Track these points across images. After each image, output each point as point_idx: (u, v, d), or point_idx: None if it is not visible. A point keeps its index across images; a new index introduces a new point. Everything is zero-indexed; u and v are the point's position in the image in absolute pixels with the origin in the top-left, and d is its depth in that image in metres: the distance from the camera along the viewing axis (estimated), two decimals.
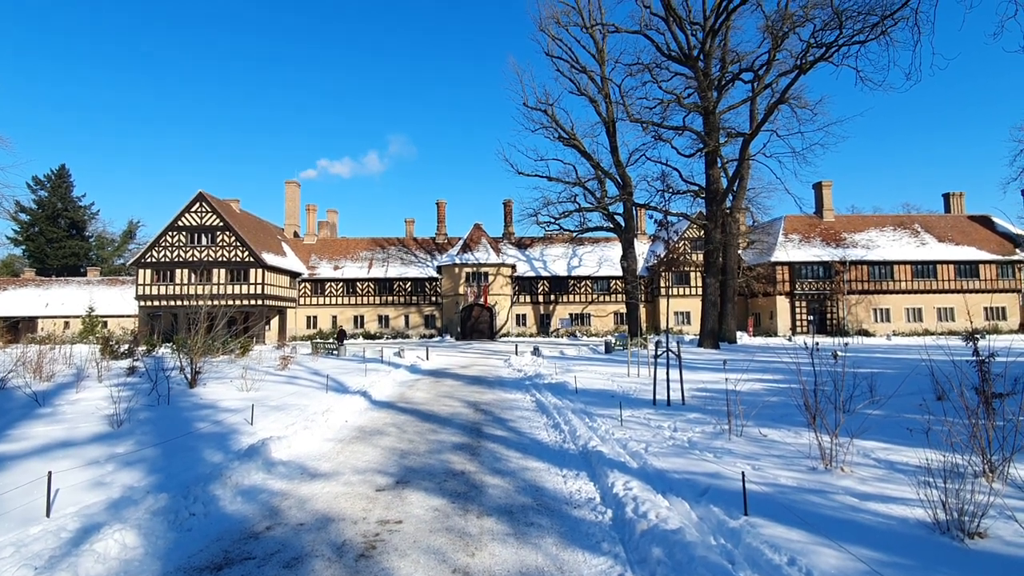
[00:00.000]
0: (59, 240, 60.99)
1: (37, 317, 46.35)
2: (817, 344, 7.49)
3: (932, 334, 38.39)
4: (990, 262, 41.73)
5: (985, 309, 41.16)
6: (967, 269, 41.80)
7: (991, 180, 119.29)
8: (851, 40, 20.84)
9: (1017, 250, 42.01)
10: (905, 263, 41.61)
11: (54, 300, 47.56)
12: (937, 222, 45.11)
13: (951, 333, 36.87)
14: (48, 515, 4.95)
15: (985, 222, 44.94)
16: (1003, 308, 41.68)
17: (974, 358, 6.11)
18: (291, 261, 45.19)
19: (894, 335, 38.62)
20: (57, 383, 13.48)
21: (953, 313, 41.22)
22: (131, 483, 5.93)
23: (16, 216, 59.71)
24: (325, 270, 47.08)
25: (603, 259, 47.54)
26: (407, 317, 46.95)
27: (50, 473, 5.27)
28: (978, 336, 6.65)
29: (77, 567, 4.03)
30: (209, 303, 15.33)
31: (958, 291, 41.21)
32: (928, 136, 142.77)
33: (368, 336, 45.31)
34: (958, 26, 42.24)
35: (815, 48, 22.99)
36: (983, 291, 41.50)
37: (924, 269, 41.77)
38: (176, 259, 39.71)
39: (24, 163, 65.73)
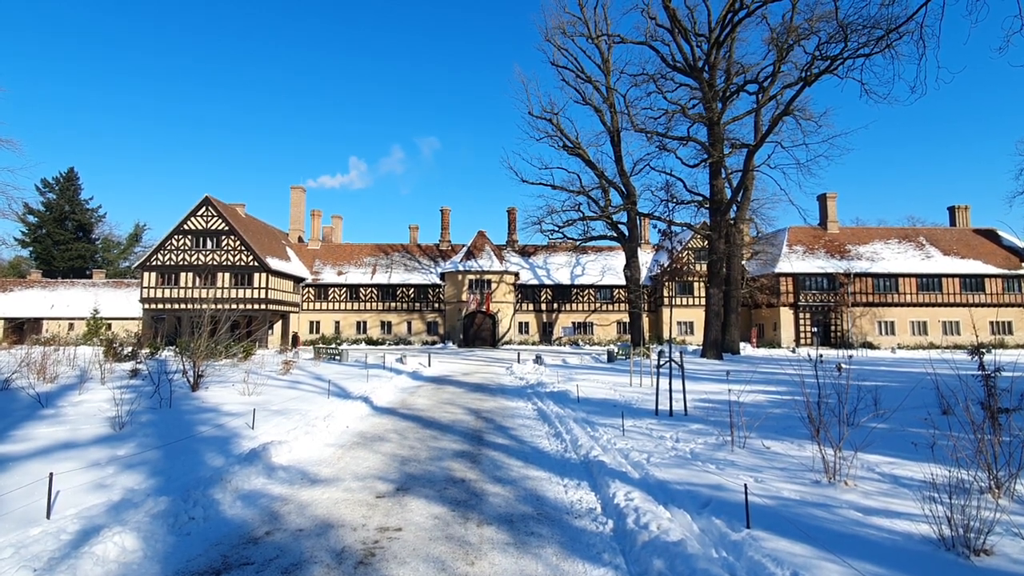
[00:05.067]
0: (66, 242, 61.39)
1: (42, 318, 46.57)
2: (821, 356, 7.47)
3: (937, 348, 38.19)
4: (996, 276, 41.51)
5: (991, 323, 40.91)
6: (973, 283, 41.60)
7: (997, 194, 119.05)
8: (856, 53, 20.88)
9: (1023, 264, 41.81)
10: (910, 276, 41.44)
11: (59, 302, 47.80)
12: (942, 235, 44.97)
13: (956, 347, 36.67)
14: (48, 517, 4.95)
15: (991, 236, 44.78)
16: (1009, 323, 41.41)
17: (980, 372, 6.05)
18: (295, 266, 45.35)
19: (899, 348, 38.39)
20: (60, 385, 13.52)
21: (959, 327, 40.98)
22: (132, 486, 5.93)
23: (24, 218, 60.19)
24: (329, 275, 47.21)
25: (606, 268, 47.53)
26: (410, 323, 46.96)
27: (51, 475, 5.28)
28: (984, 350, 6.60)
29: (76, 569, 4.02)
30: (213, 307, 15.37)
31: (963, 305, 40.98)
32: (933, 149, 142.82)
33: (370, 342, 45.33)
34: (963, 40, 42.43)
35: (820, 61, 23.05)
36: (989, 305, 41.26)
37: (929, 282, 41.59)
38: (181, 263, 39.90)
39: (33, 165, 66.49)
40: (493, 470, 7.19)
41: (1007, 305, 41.50)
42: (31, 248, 61.80)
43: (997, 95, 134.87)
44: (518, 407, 12.79)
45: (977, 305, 40.97)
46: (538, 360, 24.83)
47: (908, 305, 41.33)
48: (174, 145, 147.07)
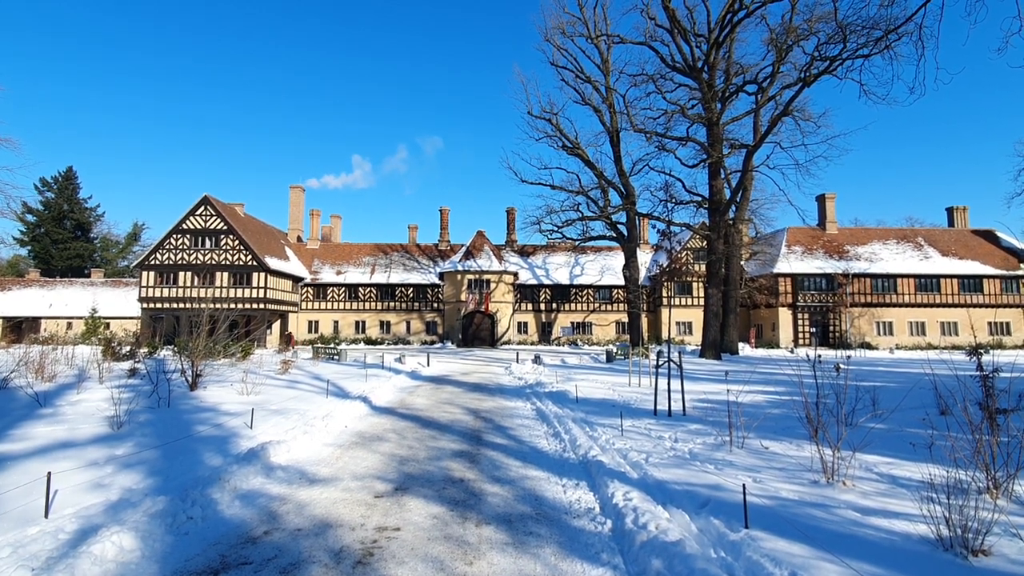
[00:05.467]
0: (64, 241, 61.30)
1: (40, 318, 46.48)
2: (819, 356, 7.47)
3: (935, 348, 38.22)
4: (994, 277, 41.58)
5: (989, 324, 40.96)
6: (971, 283, 41.66)
7: (995, 195, 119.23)
8: (855, 54, 20.89)
9: (1022, 265, 41.87)
10: (908, 277, 41.51)
11: (58, 301, 47.71)
12: (941, 236, 45.04)
13: (955, 348, 36.71)
14: (47, 516, 4.95)
15: (989, 236, 44.85)
16: (1007, 323, 41.48)
17: (978, 373, 6.07)
18: (294, 266, 45.30)
19: (897, 349, 38.45)
20: (59, 384, 13.50)
21: (957, 327, 41.04)
22: (130, 485, 5.92)
23: (23, 217, 60.08)
24: (328, 275, 47.17)
25: (605, 268, 47.55)
26: (409, 323, 46.94)
27: (49, 474, 5.27)
28: (982, 351, 6.61)
29: (74, 569, 4.01)
30: (211, 306, 15.36)
31: (962, 305, 41.05)
32: (932, 150, 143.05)
33: (369, 342, 45.30)
34: (962, 41, 42.47)
35: (819, 61, 23.07)
36: (987, 306, 41.32)
37: (927, 283, 41.65)
38: (180, 262, 39.85)
39: (32, 164, 66.24)
40: (492, 470, 7.19)
41: (1005, 306, 41.56)
42: (29, 247, 61.70)
43: (996, 96, 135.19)
44: (517, 407, 12.79)
45: (975, 306, 41.03)
46: (537, 360, 24.84)
47: (906, 306, 41.39)
48: (173, 145, 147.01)
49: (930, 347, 38.98)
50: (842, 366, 11.80)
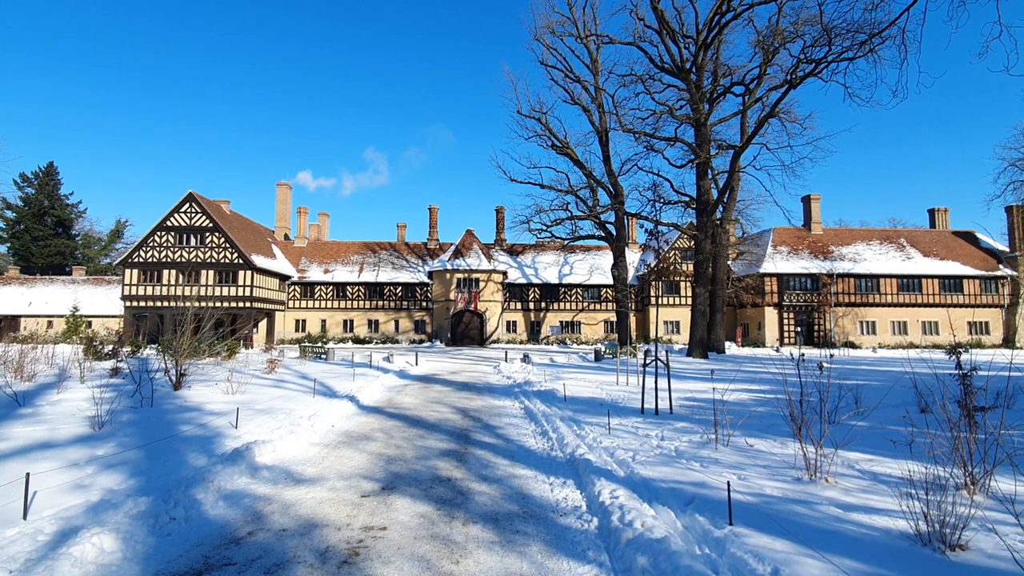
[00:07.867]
0: (45, 238, 60.15)
1: (20, 316, 45.58)
2: (803, 355, 7.57)
3: (917, 347, 38.91)
4: (974, 277, 42.40)
5: (969, 323, 41.78)
6: (951, 284, 42.44)
7: (975, 196, 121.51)
8: (840, 57, 21.16)
9: (1000, 266, 42.74)
10: (891, 277, 42.18)
11: (38, 299, 46.81)
12: (922, 237, 45.83)
13: (935, 347, 37.40)
14: (25, 517, 4.86)
15: (969, 238, 45.73)
16: (986, 323, 42.31)
17: (957, 371, 6.19)
18: (281, 264, 44.85)
19: (880, 348, 39.06)
20: (39, 383, 13.26)
21: (937, 327, 41.79)
22: (111, 486, 5.83)
23: (2, 213, 58.93)
24: (315, 273, 46.77)
25: (594, 267, 47.69)
26: (397, 322, 46.72)
27: (28, 475, 5.18)
28: (961, 350, 6.74)
29: (53, 571, 3.95)
30: (196, 305, 15.17)
31: (942, 305, 41.82)
32: (914, 152, 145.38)
33: (357, 340, 45.03)
34: (944, 46, 43.31)
35: (805, 64, 23.34)
36: (967, 306, 42.12)
37: (909, 283, 42.36)
38: (164, 259, 39.28)
39: (11, 159, 65.25)
40: (479, 469, 7.19)
41: (984, 306, 42.39)
42: (9, 244, 60.48)
43: (976, 100, 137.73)
44: (505, 406, 12.80)
45: (955, 306, 41.80)
46: (526, 359, 24.86)
47: (889, 305, 42.06)
48: (158, 140, 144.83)
49: (912, 346, 39.68)
50: (825, 365, 11.95)
